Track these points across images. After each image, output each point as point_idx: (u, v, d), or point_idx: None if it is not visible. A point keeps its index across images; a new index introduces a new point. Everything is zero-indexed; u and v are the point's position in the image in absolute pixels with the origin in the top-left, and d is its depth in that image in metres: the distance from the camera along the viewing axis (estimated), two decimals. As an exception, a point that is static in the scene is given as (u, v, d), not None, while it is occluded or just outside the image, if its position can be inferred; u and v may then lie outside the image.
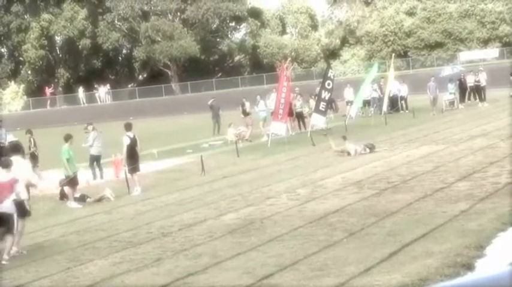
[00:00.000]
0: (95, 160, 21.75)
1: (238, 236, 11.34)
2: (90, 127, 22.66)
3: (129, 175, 18.34)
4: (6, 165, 11.72)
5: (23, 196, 11.92)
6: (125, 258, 10.60)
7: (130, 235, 12.42)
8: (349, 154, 21.09)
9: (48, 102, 71.90)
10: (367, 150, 21.16)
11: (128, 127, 18.71)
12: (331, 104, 32.92)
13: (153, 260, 10.24)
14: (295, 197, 14.56)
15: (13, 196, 11.54)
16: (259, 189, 16.19)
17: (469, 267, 8.15)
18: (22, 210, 11.85)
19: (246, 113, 31.42)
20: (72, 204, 17.18)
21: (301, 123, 31.56)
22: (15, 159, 12.27)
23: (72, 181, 17.54)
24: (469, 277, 4.56)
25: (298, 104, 31.95)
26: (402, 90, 37.16)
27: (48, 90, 72.20)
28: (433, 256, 8.75)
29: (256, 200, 14.65)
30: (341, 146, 21.78)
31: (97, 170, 21.74)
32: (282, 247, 10.24)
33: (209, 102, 36.80)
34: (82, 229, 13.51)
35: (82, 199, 17.55)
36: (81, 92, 71.07)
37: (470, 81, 37.32)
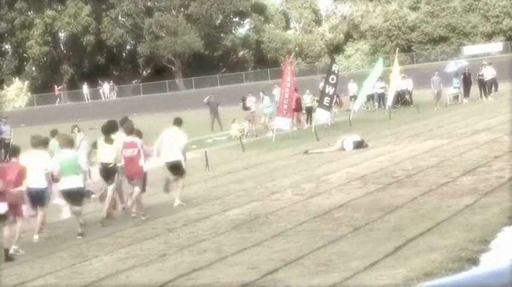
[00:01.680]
0: None
1: (242, 231, 11.34)
2: (75, 129, 22.50)
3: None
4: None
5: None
6: (130, 254, 10.62)
7: (135, 231, 12.45)
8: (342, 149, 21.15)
9: (58, 100, 71.92)
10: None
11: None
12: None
13: (158, 256, 10.26)
14: (299, 192, 14.55)
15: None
16: (264, 184, 16.19)
17: (473, 261, 8.14)
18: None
19: (246, 108, 31.38)
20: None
21: (309, 118, 31.52)
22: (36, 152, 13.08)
23: None
24: (472, 272, 4.56)
25: (308, 99, 31.89)
26: (407, 85, 37.07)
27: (57, 89, 72.26)
28: (437, 250, 8.74)
29: (261, 196, 14.64)
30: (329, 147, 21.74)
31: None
32: (286, 242, 10.24)
33: (205, 100, 36.27)
34: (87, 225, 13.51)
35: (87, 194, 17.52)
36: (85, 88, 71.14)
37: (487, 74, 36.35)
